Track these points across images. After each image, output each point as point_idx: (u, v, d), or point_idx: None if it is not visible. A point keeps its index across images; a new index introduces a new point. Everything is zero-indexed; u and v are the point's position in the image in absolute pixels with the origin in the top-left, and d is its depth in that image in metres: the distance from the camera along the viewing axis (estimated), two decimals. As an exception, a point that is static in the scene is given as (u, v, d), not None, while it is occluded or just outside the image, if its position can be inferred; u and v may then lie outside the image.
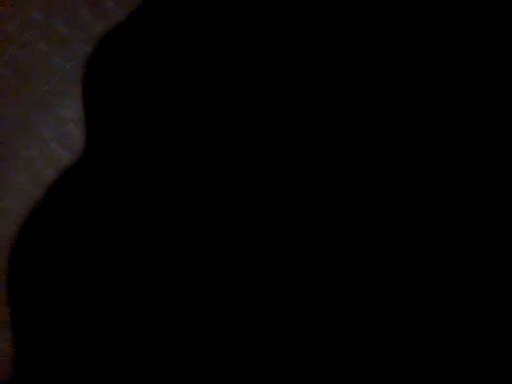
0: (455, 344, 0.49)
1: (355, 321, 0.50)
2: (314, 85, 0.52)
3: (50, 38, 0.53)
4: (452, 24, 0.52)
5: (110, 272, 0.51)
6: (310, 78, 0.52)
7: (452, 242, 0.50)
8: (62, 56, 0.54)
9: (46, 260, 0.52)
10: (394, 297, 0.50)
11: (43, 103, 0.54)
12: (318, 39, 0.52)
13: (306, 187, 0.51)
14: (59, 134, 0.54)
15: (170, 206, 0.51)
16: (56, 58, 0.54)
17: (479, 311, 0.49)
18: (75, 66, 0.54)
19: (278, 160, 0.51)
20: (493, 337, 0.49)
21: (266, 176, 0.51)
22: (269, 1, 0.52)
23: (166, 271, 0.51)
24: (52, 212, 0.53)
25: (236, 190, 0.51)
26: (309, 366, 0.50)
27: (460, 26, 0.52)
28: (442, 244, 0.50)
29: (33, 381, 0.51)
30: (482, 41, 0.51)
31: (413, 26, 0.52)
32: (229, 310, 0.50)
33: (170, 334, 0.50)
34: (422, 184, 0.51)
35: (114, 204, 0.52)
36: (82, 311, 0.51)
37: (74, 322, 0.51)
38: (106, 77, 0.53)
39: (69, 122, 0.54)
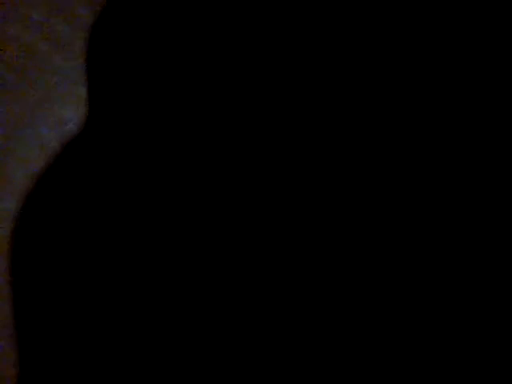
0: (455, 344, 0.49)
1: (355, 321, 0.50)
2: (313, 85, 0.52)
3: (50, 38, 0.53)
4: (452, 24, 0.52)
5: (110, 271, 0.51)
6: (309, 78, 0.52)
7: (452, 242, 0.50)
8: (62, 56, 0.54)
9: (45, 259, 0.52)
10: (394, 297, 0.50)
11: (43, 103, 0.54)
12: (318, 39, 0.52)
13: (305, 187, 0.51)
14: (59, 134, 0.54)
15: (170, 206, 0.51)
16: (56, 58, 0.54)
17: (479, 311, 0.49)
18: (75, 66, 0.54)
19: (278, 160, 0.51)
20: (493, 337, 0.49)
21: (266, 176, 0.51)
22: (269, 1, 0.52)
23: (165, 270, 0.51)
24: (52, 212, 0.53)
25: (235, 189, 0.51)
26: (309, 366, 0.50)
27: (460, 25, 0.52)
28: (442, 244, 0.50)
29: (32, 381, 0.51)
30: (482, 41, 0.51)
31: (413, 25, 0.52)
32: (229, 309, 0.50)
33: (170, 333, 0.50)
34: (422, 184, 0.51)
35: (113, 204, 0.52)
36: (82, 311, 0.51)
37: (73, 322, 0.51)
38: (106, 77, 0.53)
39: (69, 122, 0.54)
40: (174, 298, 0.50)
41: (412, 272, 0.50)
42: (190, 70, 0.53)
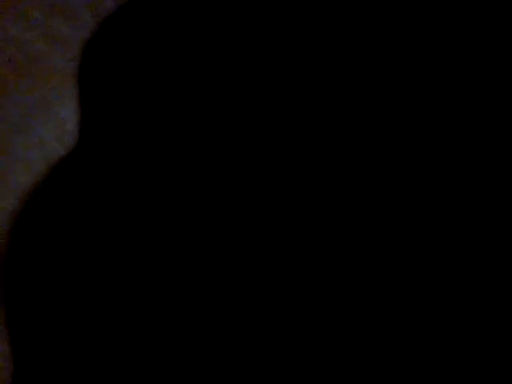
0: (455, 344, 0.49)
1: (355, 321, 0.50)
2: (314, 85, 0.52)
3: (49, 38, 0.53)
4: (452, 24, 0.52)
5: (109, 270, 0.51)
6: (309, 78, 0.52)
7: (452, 242, 0.50)
8: (62, 56, 0.54)
9: (44, 258, 0.52)
10: (394, 297, 0.50)
11: (43, 103, 0.54)
12: (318, 39, 0.52)
13: (305, 187, 0.51)
14: (59, 134, 0.54)
15: (170, 205, 0.51)
16: (56, 58, 0.54)
17: (479, 311, 0.49)
18: (75, 66, 0.54)
19: (278, 160, 0.51)
20: (493, 337, 0.49)
21: (267, 176, 0.51)
22: (269, 1, 0.52)
23: (165, 270, 0.51)
24: (52, 211, 0.53)
25: (235, 189, 0.51)
26: (309, 365, 0.50)
27: (460, 25, 0.51)
28: (442, 244, 0.50)
29: (32, 380, 0.51)
30: (482, 41, 0.51)
31: (413, 25, 0.52)
32: (229, 309, 0.50)
33: (170, 333, 0.50)
34: (422, 184, 0.50)
35: (113, 203, 0.52)
36: (81, 311, 0.51)
37: (73, 321, 0.51)
38: (106, 77, 0.53)
39: (69, 121, 0.54)
40: (174, 297, 0.50)
41: (412, 272, 0.50)
42: (190, 70, 0.53)
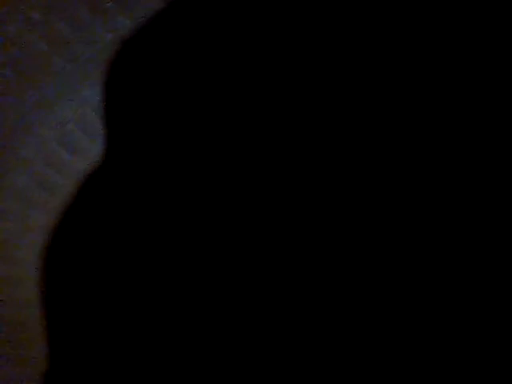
0: (455, 344, 0.49)
1: (355, 321, 0.50)
2: (313, 85, 0.52)
3: (50, 38, 0.53)
4: (452, 24, 0.52)
5: (112, 272, 0.51)
6: (309, 78, 0.52)
7: (452, 242, 0.50)
8: (62, 56, 0.54)
9: (45, 258, 0.52)
10: (394, 297, 0.50)
11: (43, 103, 0.54)
12: (318, 39, 0.52)
13: (305, 188, 0.51)
14: (59, 134, 0.54)
15: (171, 206, 0.51)
16: (56, 58, 0.54)
17: (479, 311, 0.49)
18: (75, 66, 0.54)
19: (278, 160, 0.51)
20: (493, 337, 0.49)
21: (267, 176, 0.51)
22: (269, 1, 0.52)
23: (167, 271, 0.51)
24: (51, 211, 0.53)
25: (236, 189, 0.51)
26: (309, 366, 0.50)
27: (460, 25, 0.52)
28: (442, 244, 0.50)
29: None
30: (482, 41, 0.51)
31: (413, 26, 0.52)
32: (229, 309, 0.50)
33: (170, 333, 0.50)
34: (422, 184, 0.51)
35: (114, 203, 0.52)
36: (82, 311, 0.51)
37: (73, 321, 0.51)
38: (106, 77, 0.53)
39: (69, 121, 0.54)
40: (174, 298, 0.50)
41: (412, 272, 0.50)
42: (193, 72, 0.53)
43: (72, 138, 0.54)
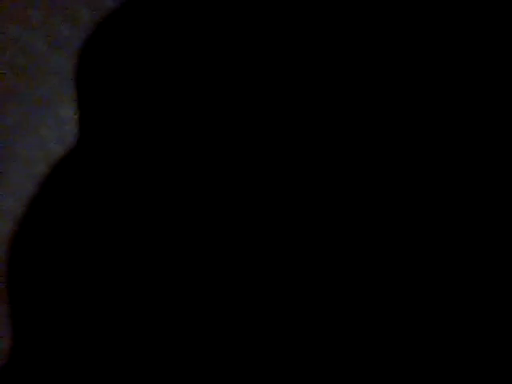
0: (455, 344, 0.49)
1: (355, 321, 0.50)
2: (313, 85, 0.52)
3: (50, 38, 0.53)
4: (452, 24, 0.52)
5: (109, 270, 0.51)
6: (309, 78, 0.52)
7: (452, 242, 0.50)
8: (62, 56, 0.54)
9: (44, 258, 0.52)
10: (394, 297, 0.50)
11: (43, 103, 0.54)
12: (318, 39, 0.52)
13: (305, 188, 0.51)
14: (59, 134, 0.54)
15: (169, 205, 0.51)
16: (56, 58, 0.54)
17: (479, 311, 0.49)
18: (75, 66, 0.54)
19: (278, 160, 0.51)
20: (493, 337, 0.49)
21: (267, 176, 0.51)
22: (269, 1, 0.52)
23: (164, 270, 0.51)
24: (51, 211, 0.53)
25: (235, 189, 0.51)
26: (309, 366, 0.50)
27: (460, 25, 0.51)
28: (442, 244, 0.50)
29: (32, 380, 0.51)
30: (482, 41, 0.51)
31: (413, 26, 0.52)
32: (229, 310, 0.50)
33: (170, 333, 0.50)
34: (422, 184, 0.51)
35: (113, 203, 0.52)
36: (81, 310, 0.51)
37: (73, 321, 0.51)
38: (106, 77, 0.53)
39: (69, 122, 0.54)
40: (174, 298, 0.50)
41: (412, 272, 0.50)
42: (190, 71, 0.53)
43: (72, 137, 0.54)
